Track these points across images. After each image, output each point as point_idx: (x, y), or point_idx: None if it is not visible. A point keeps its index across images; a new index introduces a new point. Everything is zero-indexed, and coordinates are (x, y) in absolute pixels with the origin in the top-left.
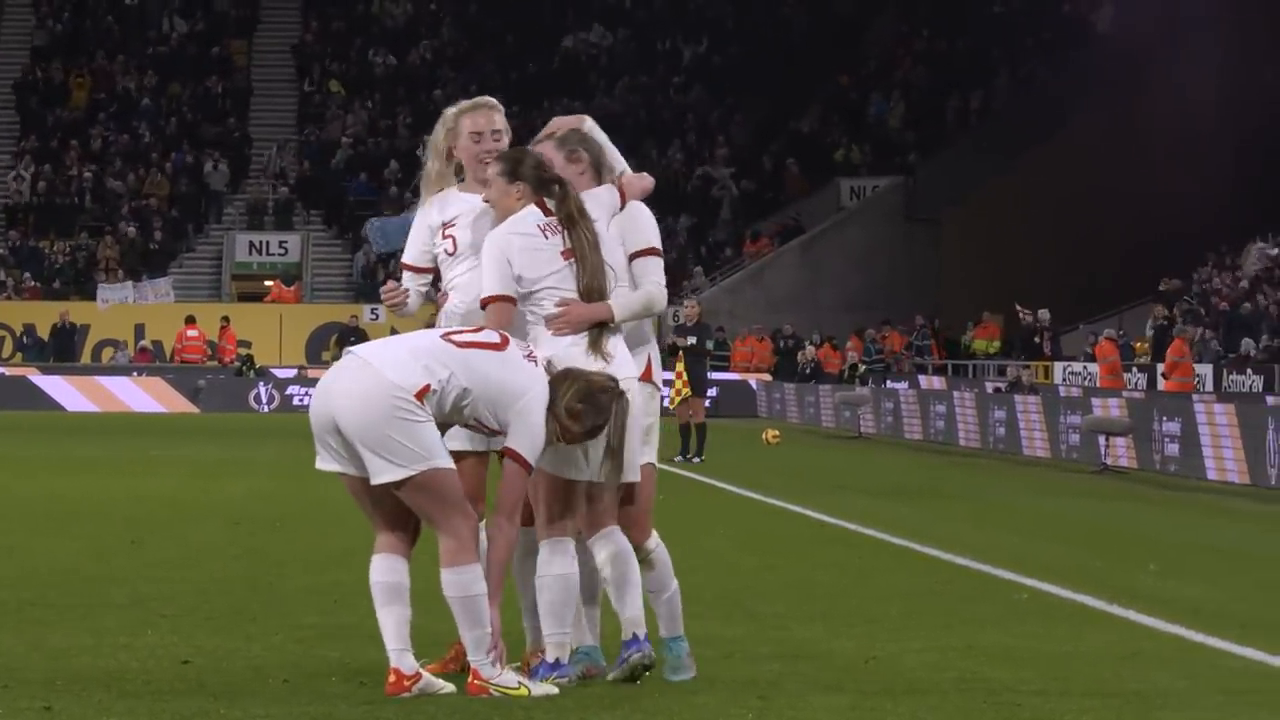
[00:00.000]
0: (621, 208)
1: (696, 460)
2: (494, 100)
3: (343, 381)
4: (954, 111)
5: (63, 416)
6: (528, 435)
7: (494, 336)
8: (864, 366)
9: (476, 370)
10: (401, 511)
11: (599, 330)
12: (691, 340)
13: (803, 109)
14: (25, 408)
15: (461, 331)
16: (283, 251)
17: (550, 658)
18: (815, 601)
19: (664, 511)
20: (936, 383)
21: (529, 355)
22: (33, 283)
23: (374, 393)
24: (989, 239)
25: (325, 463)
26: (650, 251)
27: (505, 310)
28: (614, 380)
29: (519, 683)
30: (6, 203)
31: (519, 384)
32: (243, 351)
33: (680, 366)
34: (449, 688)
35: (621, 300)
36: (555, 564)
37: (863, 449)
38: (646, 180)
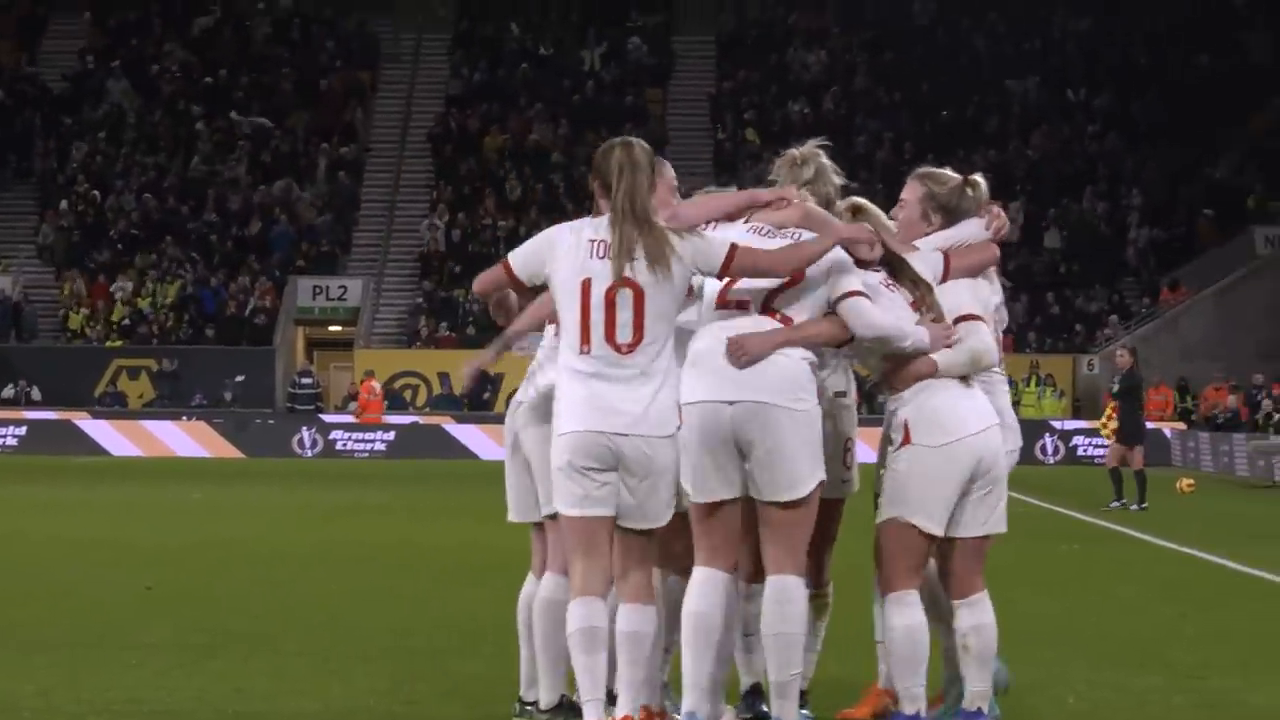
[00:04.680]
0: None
1: (1134, 508)
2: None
3: (769, 433)
4: None
5: (477, 464)
6: (855, 275)
7: (782, 274)
8: (1277, 415)
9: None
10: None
11: None
12: (1114, 387)
13: (1216, 156)
14: (440, 456)
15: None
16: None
17: (908, 710)
18: (1233, 651)
19: (1076, 559)
20: None
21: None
22: (448, 332)
23: (788, 428)
24: None
25: (712, 492)
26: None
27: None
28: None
29: None
30: (421, 251)
31: (819, 268)
32: None
33: (1109, 412)
34: None
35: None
36: (902, 616)
37: (1277, 498)
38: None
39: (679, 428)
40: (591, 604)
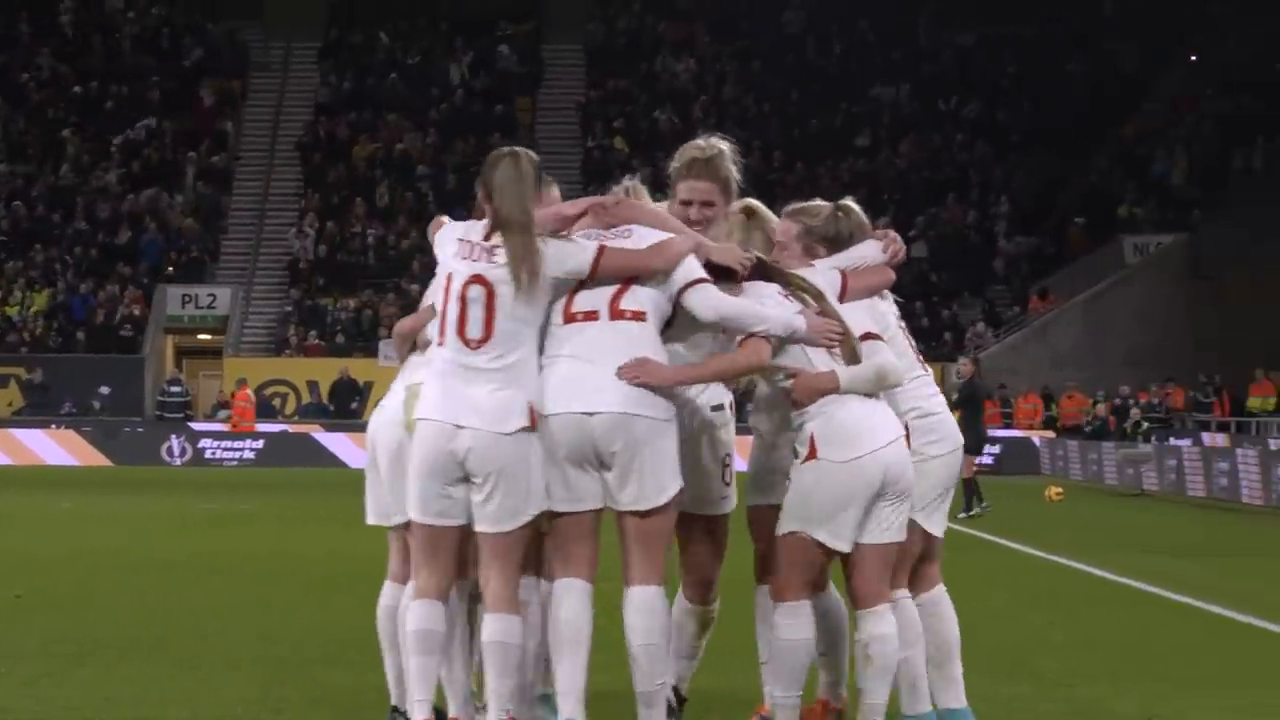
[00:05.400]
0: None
1: (961, 515)
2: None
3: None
4: (1238, 169)
5: (345, 473)
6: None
7: (657, 270)
8: (1146, 424)
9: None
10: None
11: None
12: (954, 396)
13: (1086, 165)
14: (308, 464)
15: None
16: None
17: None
18: (1099, 659)
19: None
20: (1219, 440)
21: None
22: (316, 340)
23: (649, 438)
24: (1272, 297)
25: (577, 502)
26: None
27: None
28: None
29: None
30: (290, 259)
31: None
32: None
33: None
34: None
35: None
36: (792, 629)
37: (1146, 506)
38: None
39: (525, 430)
40: (431, 606)
